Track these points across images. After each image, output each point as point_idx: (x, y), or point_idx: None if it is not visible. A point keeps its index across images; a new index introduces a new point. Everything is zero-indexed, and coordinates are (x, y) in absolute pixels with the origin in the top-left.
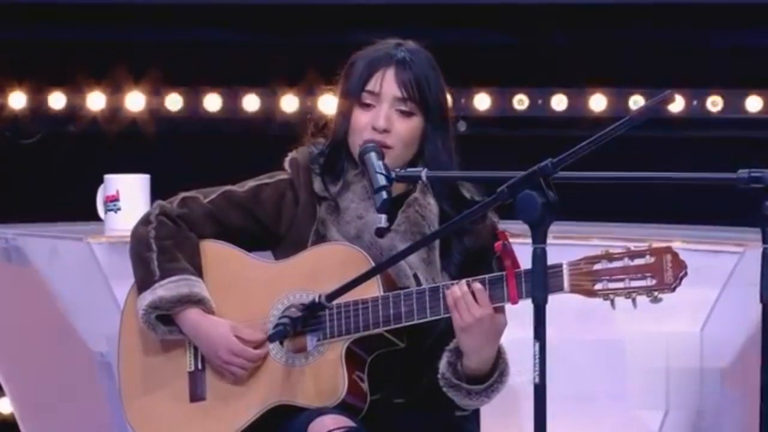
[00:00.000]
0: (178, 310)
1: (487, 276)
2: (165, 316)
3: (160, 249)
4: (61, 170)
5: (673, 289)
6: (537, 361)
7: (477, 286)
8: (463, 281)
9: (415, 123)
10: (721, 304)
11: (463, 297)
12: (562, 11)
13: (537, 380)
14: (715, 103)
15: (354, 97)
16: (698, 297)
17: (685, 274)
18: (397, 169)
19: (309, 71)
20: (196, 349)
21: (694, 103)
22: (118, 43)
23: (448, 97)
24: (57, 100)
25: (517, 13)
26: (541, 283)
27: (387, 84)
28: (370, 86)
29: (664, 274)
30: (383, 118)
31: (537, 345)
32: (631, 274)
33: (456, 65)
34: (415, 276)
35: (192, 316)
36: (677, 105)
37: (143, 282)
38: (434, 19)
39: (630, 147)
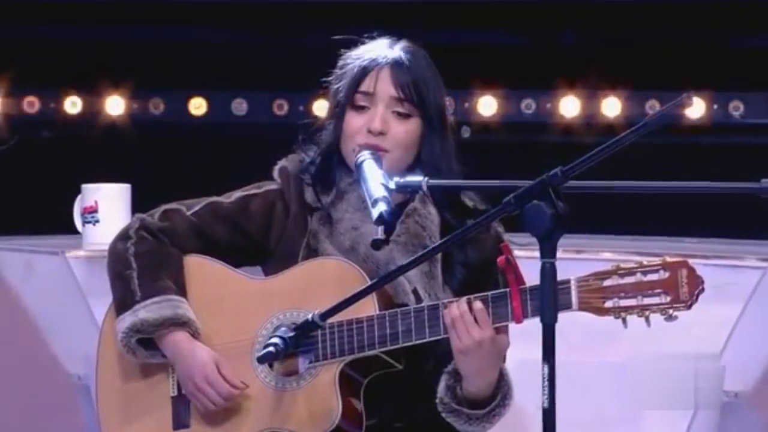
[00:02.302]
0: (160, 334)
1: (489, 293)
2: (146, 339)
3: (141, 267)
4: (36, 179)
5: (689, 307)
6: (546, 384)
7: (478, 305)
8: (463, 299)
9: (413, 126)
10: (744, 323)
11: (462, 317)
12: (572, 9)
13: (546, 405)
14: (737, 108)
15: (346, 99)
16: (719, 316)
17: (702, 290)
18: (397, 179)
19: (300, 72)
20: None
21: (715, 107)
22: (94, 43)
23: (448, 100)
24: (31, 104)
25: (524, 10)
26: (550, 301)
27: (382, 84)
28: (363, 87)
29: (680, 291)
30: (379, 119)
31: (546, 368)
32: (644, 291)
33: (459, 67)
34: (415, 291)
35: (176, 339)
36: (696, 109)
37: (123, 303)
38: (435, 17)
39: (645, 155)
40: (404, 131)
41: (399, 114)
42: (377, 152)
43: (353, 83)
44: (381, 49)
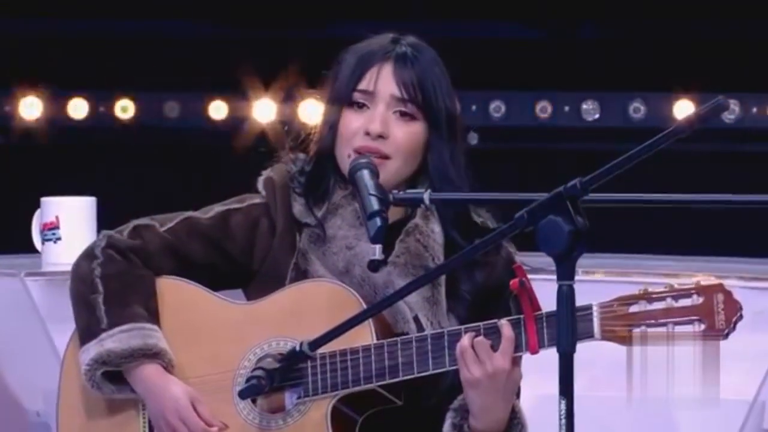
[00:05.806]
0: (129, 366)
1: (502, 320)
2: (114, 372)
3: (108, 291)
4: None
5: (726, 336)
6: (563, 422)
7: (504, 331)
8: (480, 325)
9: (417, 129)
10: None
11: (476, 347)
12: None
13: None
14: None
15: (344, 97)
16: (758, 345)
17: (741, 317)
18: (395, 191)
19: (288, 72)
20: None
21: (754, 110)
22: (58, 39)
23: (457, 103)
24: None
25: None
26: (568, 328)
27: (383, 82)
28: (363, 85)
29: (715, 318)
30: (379, 120)
31: (563, 403)
32: (675, 318)
33: (466, 65)
34: (416, 319)
35: (147, 372)
36: (732, 113)
37: (87, 331)
38: (436, 9)
39: (676, 163)
40: (407, 134)
41: (402, 114)
42: (372, 162)
43: (352, 80)
44: (384, 44)
